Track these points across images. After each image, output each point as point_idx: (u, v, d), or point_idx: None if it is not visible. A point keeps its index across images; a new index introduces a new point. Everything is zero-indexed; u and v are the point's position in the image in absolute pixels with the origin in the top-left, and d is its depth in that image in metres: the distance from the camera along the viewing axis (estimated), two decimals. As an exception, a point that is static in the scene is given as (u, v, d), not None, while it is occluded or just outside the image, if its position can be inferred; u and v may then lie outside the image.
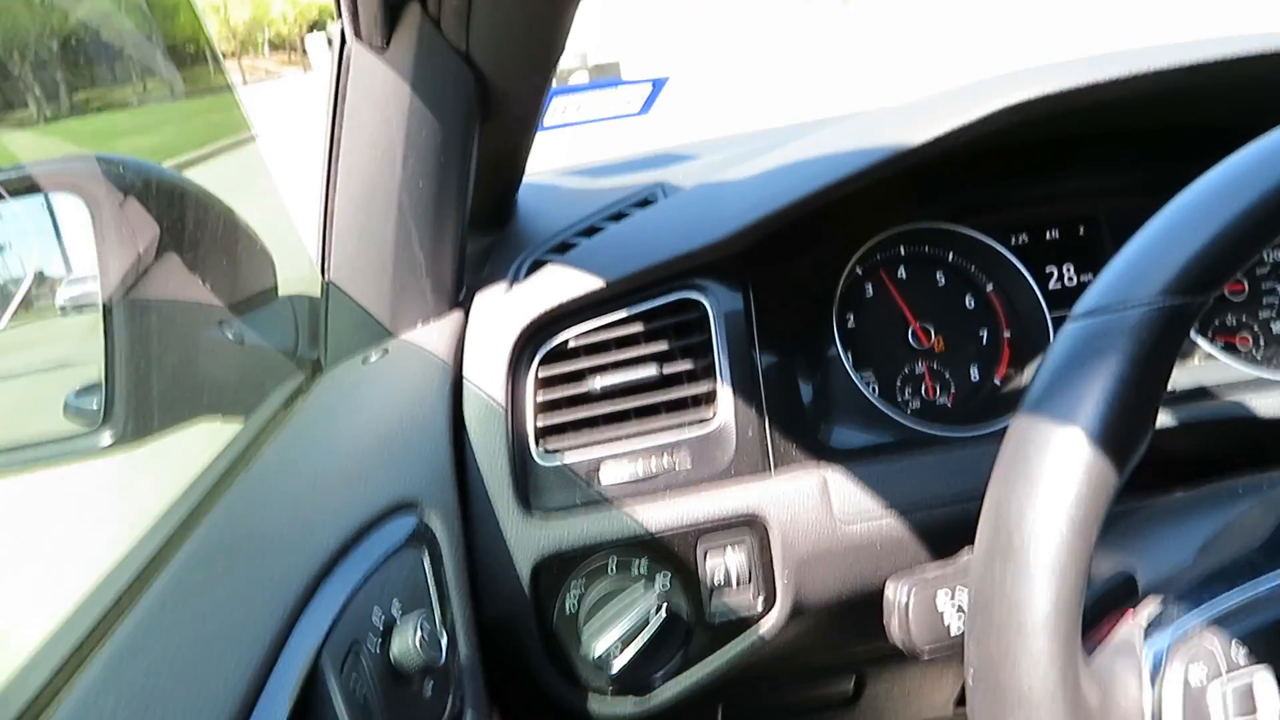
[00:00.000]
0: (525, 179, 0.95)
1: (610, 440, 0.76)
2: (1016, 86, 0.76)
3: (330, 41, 0.72)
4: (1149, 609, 0.48)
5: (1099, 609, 0.50)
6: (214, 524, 0.57)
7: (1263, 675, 0.44)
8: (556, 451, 0.75)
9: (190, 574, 0.52)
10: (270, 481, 0.62)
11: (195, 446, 0.74)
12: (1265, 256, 0.92)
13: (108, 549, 0.57)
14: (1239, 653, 0.45)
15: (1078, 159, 0.89)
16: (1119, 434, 0.42)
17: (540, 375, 0.76)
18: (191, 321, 0.82)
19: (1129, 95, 0.78)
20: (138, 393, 0.77)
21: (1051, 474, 0.41)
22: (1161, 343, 0.43)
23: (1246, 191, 0.43)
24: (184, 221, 0.82)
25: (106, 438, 0.76)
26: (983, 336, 0.89)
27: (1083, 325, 0.44)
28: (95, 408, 0.77)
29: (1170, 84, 0.78)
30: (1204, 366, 0.87)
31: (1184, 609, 0.47)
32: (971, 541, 0.47)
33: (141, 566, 0.54)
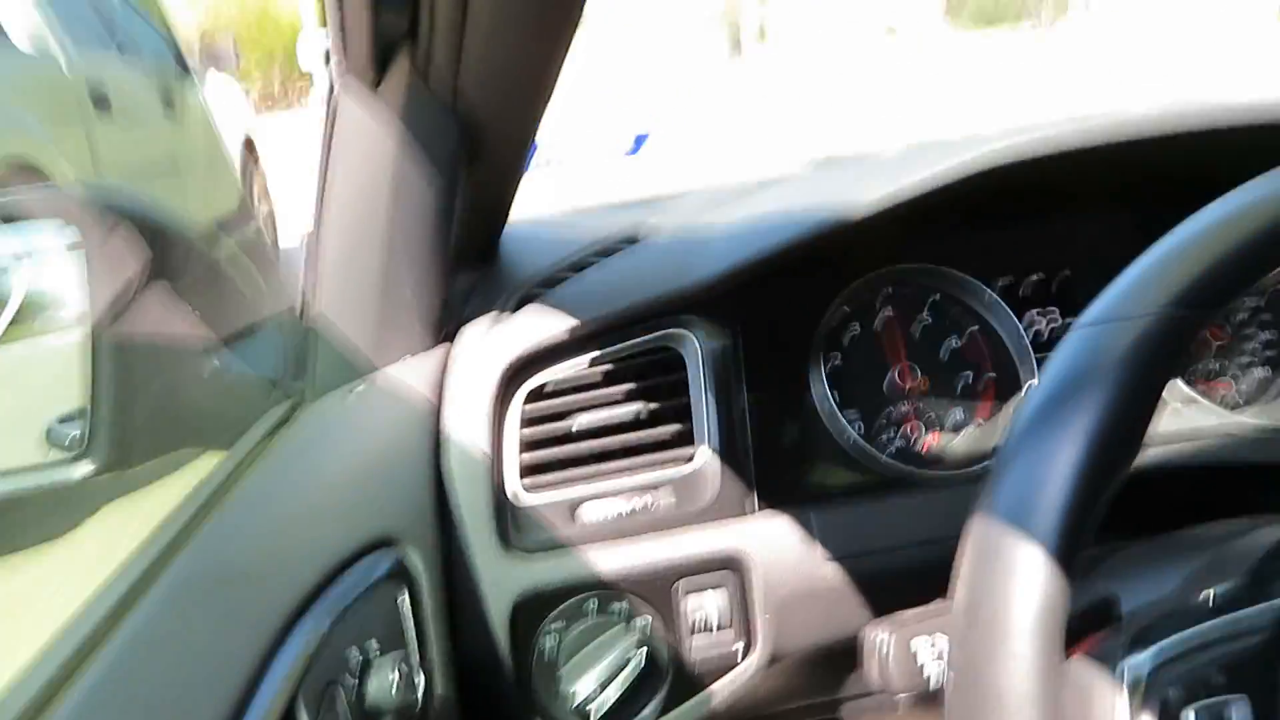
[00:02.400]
0: (512, 217, 0.95)
1: (592, 479, 0.76)
2: (1002, 142, 0.78)
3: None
4: (1132, 629, 0.48)
5: (1081, 626, 0.50)
6: (191, 558, 0.57)
7: (1240, 704, 0.44)
8: (538, 490, 0.75)
9: (166, 609, 0.52)
10: (248, 516, 0.62)
11: (176, 477, 0.74)
12: (1245, 302, 0.93)
13: (82, 582, 0.56)
14: (1220, 679, 0.45)
15: (1065, 204, 0.91)
16: (1115, 440, 0.43)
17: (524, 412, 0.76)
18: (177, 351, 0.82)
19: (1109, 155, 0.80)
20: (121, 421, 0.76)
21: (1046, 477, 0.42)
22: (1163, 351, 0.44)
23: (1259, 216, 0.45)
24: (173, 251, 0.82)
25: (88, 466, 0.75)
26: (967, 377, 0.90)
27: (1087, 333, 0.46)
28: (78, 436, 0.77)
29: (1145, 150, 0.80)
30: (1184, 411, 0.88)
31: (1167, 631, 0.47)
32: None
33: (117, 600, 0.54)
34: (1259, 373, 0.91)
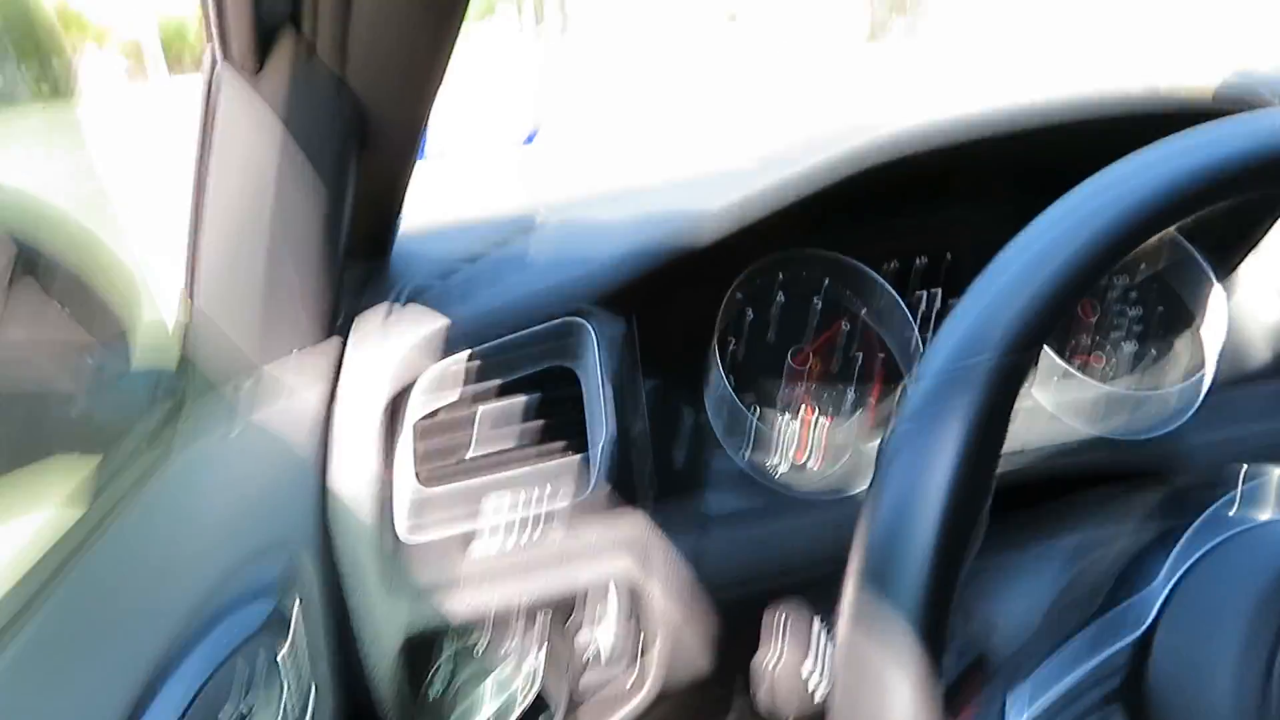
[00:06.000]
0: (407, 207, 0.93)
1: (488, 492, 0.75)
2: (883, 136, 0.80)
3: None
4: (1006, 680, 0.50)
5: (958, 690, 0.52)
6: (49, 616, 0.51)
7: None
8: (427, 528, 0.74)
9: (22, 665, 0.48)
10: (117, 559, 0.57)
11: (43, 495, 0.70)
12: (1114, 281, 0.98)
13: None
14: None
15: (948, 192, 0.94)
16: (966, 493, 0.42)
17: (418, 428, 0.74)
18: (46, 354, 0.77)
19: (983, 148, 0.83)
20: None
21: (907, 540, 0.42)
22: (996, 396, 0.43)
23: (1054, 259, 0.45)
24: (37, 248, 0.77)
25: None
26: (858, 359, 0.92)
27: (923, 387, 0.45)
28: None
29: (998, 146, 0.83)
30: (1061, 385, 0.92)
31: (1035, 689, 0.49)
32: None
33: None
34: (1129, 347, 0.97)
